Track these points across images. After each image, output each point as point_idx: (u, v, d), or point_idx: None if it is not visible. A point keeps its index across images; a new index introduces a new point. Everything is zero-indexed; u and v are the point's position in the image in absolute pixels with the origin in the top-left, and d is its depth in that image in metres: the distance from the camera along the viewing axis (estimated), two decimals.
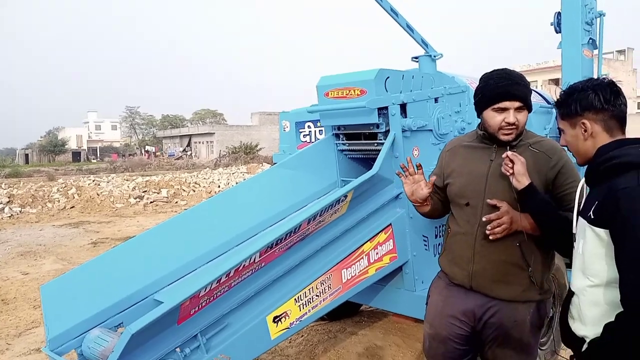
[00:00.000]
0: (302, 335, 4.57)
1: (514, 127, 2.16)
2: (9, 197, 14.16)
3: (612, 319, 1.63)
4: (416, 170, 2.33)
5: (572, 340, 1.83)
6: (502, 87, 2.15)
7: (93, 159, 61.51)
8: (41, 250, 8.98)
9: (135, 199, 14.93)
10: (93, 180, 18.58)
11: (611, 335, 1.63)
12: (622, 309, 1.59)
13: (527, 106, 2.18)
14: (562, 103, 1.84)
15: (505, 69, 2.24)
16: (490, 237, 2.14)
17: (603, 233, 1.65)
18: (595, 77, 4.53)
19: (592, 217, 1.68)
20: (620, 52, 47.64)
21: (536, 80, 43.05)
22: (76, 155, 62.75)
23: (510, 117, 2.14)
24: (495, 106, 2.16)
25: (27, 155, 62.98)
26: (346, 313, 4.90)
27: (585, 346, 1.75)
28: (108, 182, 17.75)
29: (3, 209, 13.28)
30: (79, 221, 12.37)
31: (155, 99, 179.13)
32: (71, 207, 14.12)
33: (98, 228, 11.26)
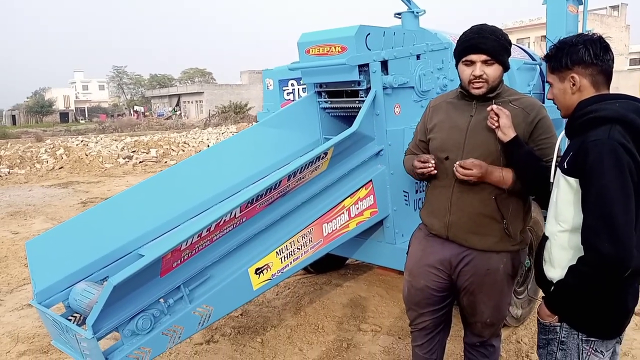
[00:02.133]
0: (289, 288, 4.71)
1: (482, 80, 2.20)
2: None
3: None
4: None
5: (543, 282, 1.95)
6: (469, 40, 2.21)
7: (81, 120, 60.85)
8: (31, 210, 9.02)
9: (124, 159, 14.91)
10: (81, 141, 18.49)
11: (572, 276, 1.74)
12: None
13: (497, 61, 2.21)
14: (553, 56, 1.87)
15: (482, 24, 2.27)
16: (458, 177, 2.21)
17: (574, 182, 1.74)
18: (580, 33, 4.55)
19: (566, 166, 1.76)
20: (614, 7, 47.07)
21: (529, 37, 42.61)
22: (64, 116, 62.03)
23: (477, 69, 2.19)
24: (464, 59, 2.22)
25: (13, 116, 62.18)
26: (332, 266, 5.05)
27: (552, 287, 1.86)
28: (97, 143, 17.67)
29: None
30: (67, 181, 12.36)
31: (143, 58, 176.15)
32: (60, 168, 14.08)
33: (87, 188, 11.28)
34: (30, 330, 4.14)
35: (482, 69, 2.19)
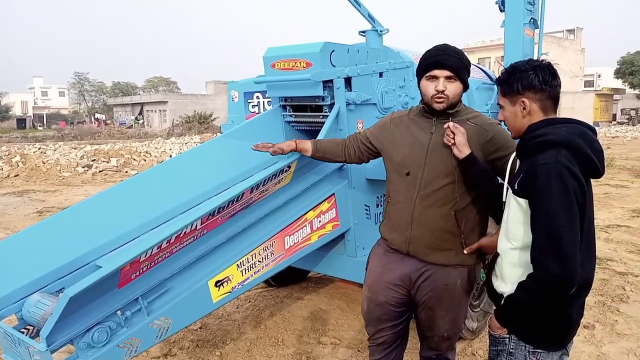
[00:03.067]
0: (250, 301, 4.69)
1: (444, 95, 2.28)
2: None
3: None
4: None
5: (494, 296, 2.03)
6: (433, 57, 2.29)
7: (39, 126, 59.05)
8: None
9: (83, 167, 14.55)
10: (39, 148, 17.94)
11: (521, 291, 1.82)
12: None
13: (459, 78, 2.29)
14: (505, 81, 1.96)
15: (444, 43, 2.36)
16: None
17: (523, 202, 1.82)
18: (535, 55, 4.74)
19: (516, 188, 1.84)
20: (570, 31, 49.06)
21: (489, 57, 43.90)
22: (21, 122, 60.04)
23: (440, 84, 2.27)
24: (428, 74, 2.30)
25: None
26: (294, 280, 5.05)
27: (502, 301, 1.94)
28: (55, 151, 17.18)
29: None
30: (23, 190, 11.97)
31: (106, 66, 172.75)
32: (15, 176, 13.62)
33: (44, 197, 10.95)
34: None
35: (444, 84, 2.27)
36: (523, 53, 4.52)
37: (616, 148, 21.18)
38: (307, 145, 2.70)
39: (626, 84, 50.28)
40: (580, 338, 3.87)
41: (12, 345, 2.19)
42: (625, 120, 48.99)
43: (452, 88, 2.29)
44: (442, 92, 2.27)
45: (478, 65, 5.17)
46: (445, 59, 2.26)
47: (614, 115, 51.90)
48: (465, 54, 2.38)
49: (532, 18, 4.61)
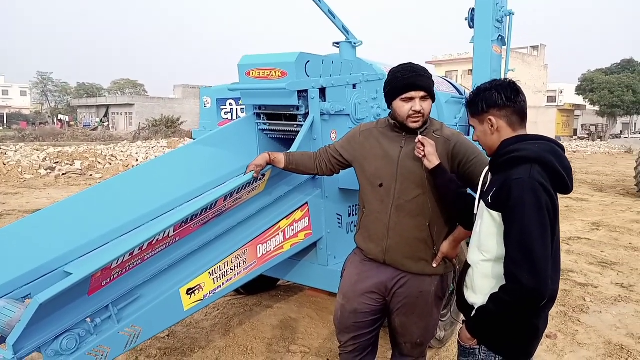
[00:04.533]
0: (218, 309, 4.65)
1: (420, 114, 2.36)
2: None
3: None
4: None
5: (464, 306, 2.08)
6: (408, 79, 2.35)
7: None
8: None
9: (46, 170, 14.18)
10: None
11: (493, 303, 1.87)
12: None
13: (430, 96, 2.40)
14: (471, 103, 2.06)
15: (410, 63, 2.46)
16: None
17: (497, 216, 1.88)
18: (503, 71, 4.89)
19: (490, 201, 1.91)
20: (534, 47, 50.53)
21: (457, 70, 44.82)
22: None
23: (417, 105, 2.35)
24: (404, 96, 2.36)
25: None
26: (263, 288, 5.04)
27: (473, 312, 1.98)
28: (16, 152, 16.68)
29: None
30: None
31: (71, 66, 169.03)
32: None
33: (4, 199, 10.62)
34: None
35: (420, 104, 2.35)
36: (491, 68, 4.67)
37: (577, 162, 21.90)
38: (280, 157, 2.74)
39: (587, 100, 52.05)
40: (543, 347, 3.99)
41: None
42: (586, 136, 50.68)
43: (426, 106, 2.38)
44: (419, 111, 2.35)
45: (447, 79, 5.30)
46: (420, 80, 2.35)
47: (575, 131, 53.65)
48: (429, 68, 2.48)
49: (500, 35, 4.76)
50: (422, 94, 2.35)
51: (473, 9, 4.74)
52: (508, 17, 4.87)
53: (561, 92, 61.19)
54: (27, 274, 2.49)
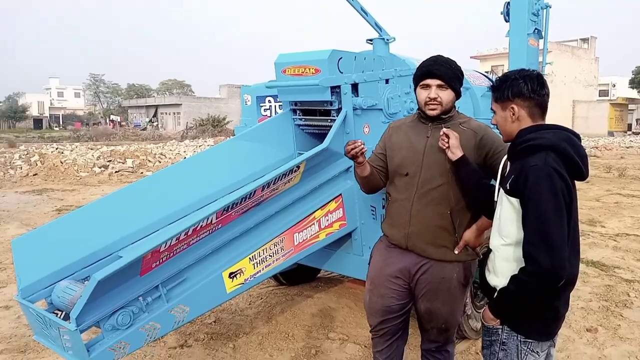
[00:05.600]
0: (262, 298, 4.86)
1: (436, 102, 2.48)
2: None
3: None
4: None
5: (487, 289, 2.18)
6: (425, 67, 2.49)
7: (55, 127, 59.95)
8: (5, 215, 8.98)
9: (100, 168, 14.87)
10: (56, 148, 18.31)
11: (514, 284, 1.97)
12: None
13: (450, 86, 2.48)
14: (497, 88, 2.13)
15: (438, 55, 2.56)
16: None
17: (515, 202, 1.98)
18: (540, 65, 4.88)
19: (508, 188, 2.01)
20: (584, 40, 48.66)
21: (503, 65, 43.73)
22: (37, 123, 61.10)
23: (432, 92, 2.47)
24: (421, 83, 2.50)
25: None
26: (304, 279, 5.22)
27: (495, 294, 2.08)
28: (72, 151, 17.53)
29: None
30: (42, 188, 12.30)
31: (121, 67, 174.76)
32: (34, 175, 13.98)
33: (62, 196, 11.24)
34: (6, 330, 4.22)
35: (436, 92, 2.47)
36: (527, 62, 4.66)
37: (630, 158, 21.04)
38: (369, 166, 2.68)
39: None
40: (583, 341, 3.99)
41: (43, 327, 2.38)
42: None
43: (444, 95, 2.48)
44: (435, 99, 2.47)
45: (484, 73, 5.32)
46: (436, 69, 2.46)
47: (629, 125, 51.43)
48: (467, 65, 2.57)
49: (536, 28, 4.75)
50: (438, 82, 2.46)
51: (508, 3, 4.74)
52: (545, 10, 4.85)
53: (614, 85, 58.80)
54: (85, 258, 2.76)
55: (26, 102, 70.79)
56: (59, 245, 2.72)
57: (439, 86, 2.47)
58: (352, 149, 2.47)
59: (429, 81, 2.47)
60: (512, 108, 2.07)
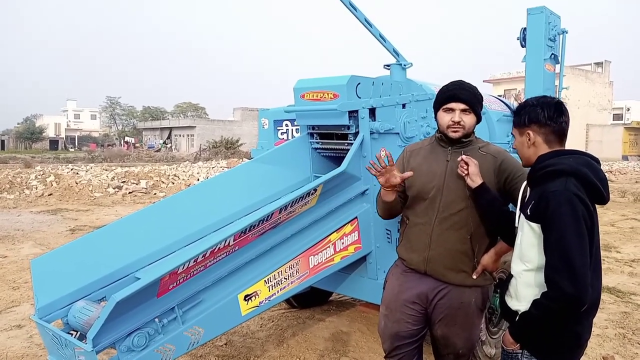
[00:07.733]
0: (273, 321, 4.83)
1: (459, 126, 2.49)
2: None
3: None
4: (387, 164, 2.51)
5: (508, 314, 2.16)
6: (450, 91, 2.51)
7: (71, 148, 60.81)
8: (19, 235, 9.07)
9: (114, 188, 14.99)
10: (72, 169, 18.53)
11: (536, 308, 1.96)
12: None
13: (473, 111, 2.51)
14: (516, 113, 2.18)
15: (460, 80, 2.58)
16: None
17: (536, 227, 1.97)
18: (556, 89, 4.88)
19: (529, 213, 2.00)
20: (598, 64, 48.63)
21: (516, 88, 43.73)
22: (54, 144, 62.02)
23: (456, 116, 2.49)
24: (445, 106, 2.52)
25: (2, 141, 62.05)
26: (316, 302, 5.19)
27: (517, 318, 2.07)
28: (87, 172, 17.74)
29: None
30: (57, 208, 12.42)
31: (137, 90, 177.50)
32: (49, 195, 14.14)
33: (76, 216, 11.34)
34: (19, 350, 4.22)
35: (460, 116, 2.48)
36: (544, 87, 4.68)
37: None
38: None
39: None
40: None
41: (58, 347, 2.39)
42: None
43: (467, 120, 2.50)
44: (458, 122, 2.48)
45: (500, 97, 5.33)
46: (461, 93, 2.49)
47: None
48: (479, 88, 2.59)
49: (552, 54, 4.77)
50: (462, 106, 2.48)
51: (525, 28, 4.77)
52: (561, 36, 4.87)
53: (628, 109, 58.53)
54: (102, 279, 2.78)
55: (43, 124, 72.04)
56: (77, 266, 2.74)
57: (462, 110, 2.49)
58: (379, 171, 2.48)
59: (453, 105, 2.49)
60: (528, 134, 2.10)
